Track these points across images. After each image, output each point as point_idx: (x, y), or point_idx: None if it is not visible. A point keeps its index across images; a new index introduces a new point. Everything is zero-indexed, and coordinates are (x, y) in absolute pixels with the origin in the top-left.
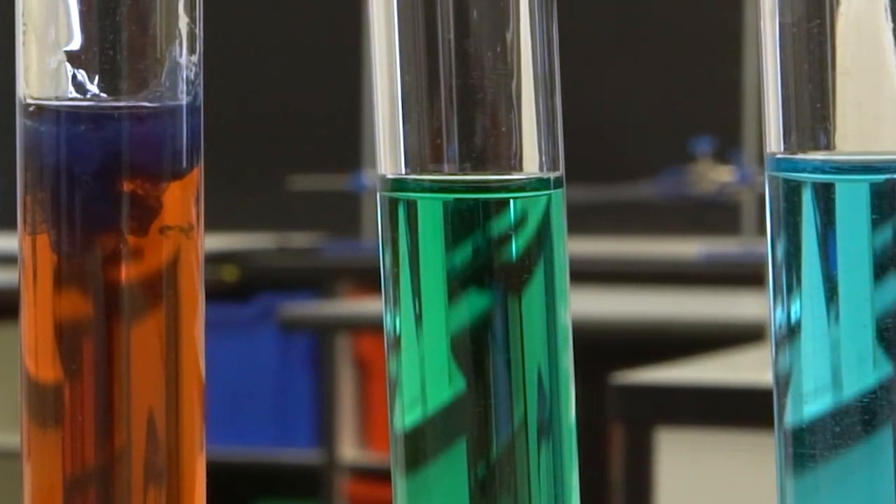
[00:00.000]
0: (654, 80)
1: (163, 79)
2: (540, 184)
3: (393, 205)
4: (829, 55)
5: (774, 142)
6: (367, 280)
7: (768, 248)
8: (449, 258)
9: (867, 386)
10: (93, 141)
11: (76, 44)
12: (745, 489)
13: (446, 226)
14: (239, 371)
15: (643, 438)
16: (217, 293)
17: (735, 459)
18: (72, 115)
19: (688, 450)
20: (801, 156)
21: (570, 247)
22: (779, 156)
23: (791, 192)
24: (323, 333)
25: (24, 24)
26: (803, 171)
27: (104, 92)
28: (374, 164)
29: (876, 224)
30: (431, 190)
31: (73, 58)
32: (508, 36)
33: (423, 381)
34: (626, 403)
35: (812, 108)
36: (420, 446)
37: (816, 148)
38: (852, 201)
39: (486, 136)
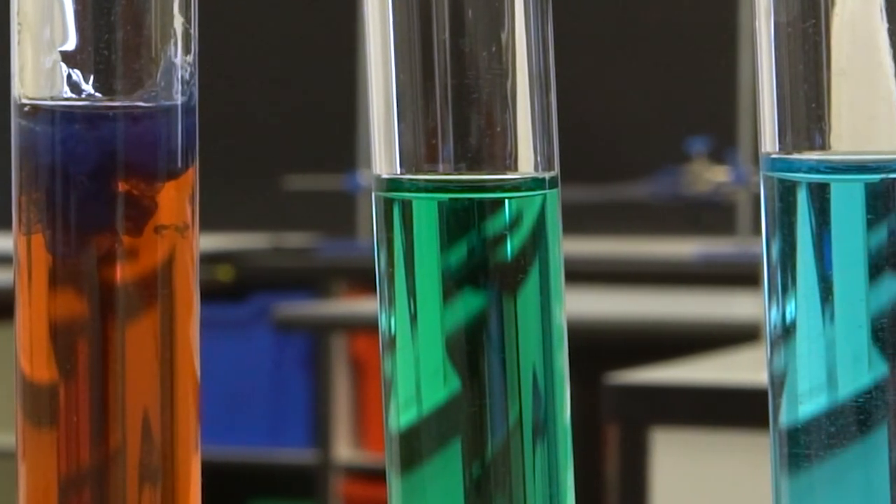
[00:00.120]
0: (649, 80)
1: (158, 79)
2: (535, 183)
3: (388, 205)
4: (824, 55)
5: (769, 142)
6: (363, 280)
7: (763, 247)
8: (444, 258)
9: (862, 386)
10: (88, 141)
11: (71, 44)
12: (740, 489)
13: (441, 226)
14: (234, 371)
15: (638, 438)
16: (212, 293)
17: (730, 459)
18: (67, 115)
19: (683, 450)
20: (796, 156)
21: (566, 247)
22: (774, 156)
23: (786, 192)
24: (318, 333)
25: (19, 24)
26: (798, 171)
27: (99, 92)
28: (369, 164)
29: (871, 224)
30: (426, 190)
31: (68, 57)
32: (503, 36)
33: (418, 381)
34: (622, 403)
35: (807, 108)
36: (415, 446)
37: (811, 148)
38: (847, 201)
39: (481, 136)
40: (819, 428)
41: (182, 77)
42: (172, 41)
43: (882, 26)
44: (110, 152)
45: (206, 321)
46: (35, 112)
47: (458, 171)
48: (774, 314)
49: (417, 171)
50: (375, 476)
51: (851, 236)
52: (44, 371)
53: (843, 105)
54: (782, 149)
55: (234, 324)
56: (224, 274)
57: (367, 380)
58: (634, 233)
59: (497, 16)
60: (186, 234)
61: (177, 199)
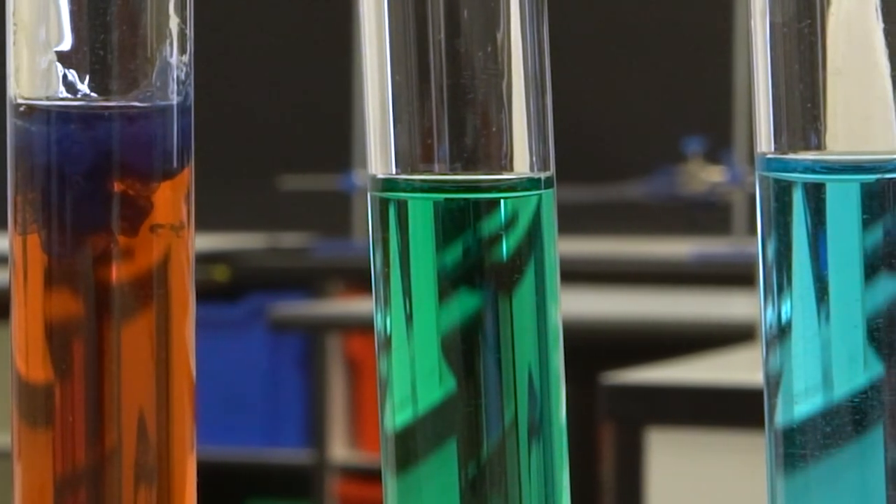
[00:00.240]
0: (644, 81)
1: (153, 79)
2: (530, 184)
3: (384, 205)
4: (819, 55)
5: (765, 142)
6: (358, 280)
7: (759, 247)
8: (439, 258)
9: (858, 386)
10: (83, 141)
11: (67, 44)
12: (735, 489)
13: (437, 226)
14: (229, 371)
15: (634, 438)
16: (208, 293)
17: (726, 459)
18: (62, 115)
19: (678, 449)
20: (791, 156)
21: (561, 247)
22: (769, 156)
23: (782, 192)
24: (314, 333)
25: (15, 25)
26: (794, 171)
27: (95, 92)
28: (364, 164)
29: (866, 224)
30: (422, 190)
31: (63, 58)
32: (499, 36)
33: (413, 381)
34: (617, 403)
35: (803, 109)
36: (411, 446)
37: (807, 148)
38: (843, 201)
39: (476, 136)
40: (815, 428)
41: (178, 77)
42: (168, 41)
43: (878, 26)
44: (106, 152)
45: (202, 321)
46: (31, 112)
47: (453, 171)
48: (770, 314)
49: (413, 172)
50: (371, 476)
51: (847, 236)
52: (39, 371)
53: (839, 105)
54: (778, 149)
55: (229, 324)
56: (220, 274)
57: (363, 380)
58: (630, 233)
59: (492, 16)
60: (182, 233)
61: (172, 199)
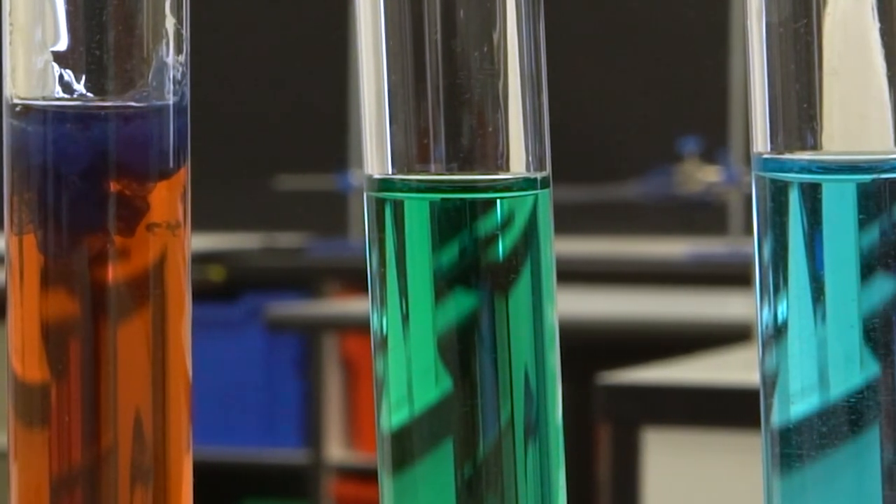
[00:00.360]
0: (640, 80)
1: (149, 79)
2: (527, 183)
3: (380, 205)
4: (815, 55)
5: (761, 142)
6: (354, 280)
7: (755, 248)
8: (436, 258)
9: (854, 386)
10: (80, 141)
11: (63, 44)
12: (731, 489)
13: (433, 226)
14: (226, 371)
15: (630, 438)
16: (204, 293)
17: (722, 459)
18: (58, 115)
19: (674, 450)
20: (787, 156)
21: (557, 247)
22: (766, 156)
23: (778, 192)
24: (310, 333)
25: (11, 25)
26: (790, 171)
27: (91, 92)
28: (360, 164)
29: (862, 224)
30: (418, 190)
31: (59, 58)
32: (495, 36)
33: (409, 381)
34: (613, 403)
35: (799, 108)
36: (407, 446)
37: (803, 148)
38: (839, 201)
39: (472, 136)
40: (811, 428)
41: (174, 77)
42: (164, 41)
43: (874, 26)
44: (102, 152)
45: (198, 321)
46: (27, 112)
47: (449, 171)
48: (766, 314)
49: (409, 172)
50: (367, 476)
51: (843, 236)
52: (35, 371)
53: (835, 105)
54: (774, 149)
55: (225, 324)
56: (216, 274)
57: (359, 380)
58: (626, 233)
59: (489, 16)
60: (178, 232)
61: (168, 199)
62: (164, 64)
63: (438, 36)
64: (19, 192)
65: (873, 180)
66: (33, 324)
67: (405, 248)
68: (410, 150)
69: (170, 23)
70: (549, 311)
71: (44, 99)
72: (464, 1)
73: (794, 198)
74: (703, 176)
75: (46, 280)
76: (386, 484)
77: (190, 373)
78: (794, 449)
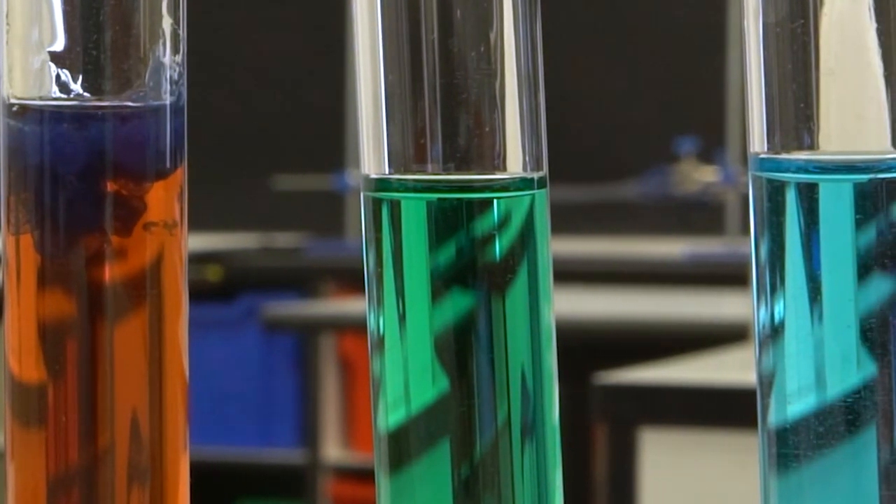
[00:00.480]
0: (637, 80)
1: (146, 79)
2: (524, 183)
3: (377, 205)
4: (812, 55)
5: (758, 142)
6: (351, 280)
7: (752, 248)
8: (432, 258)
9: (851, 386)
10: (76, 141)
11: (60, 44)
12: (728, 489)
13: (430, 226)
14: (222, 371)
15: (627, 438)
16: (201, 293)
17: (719, 459)
18: (55, 115)
19: (671, 450)
20: (784, 156)
21: (554, 247)
22: (762, 156)
23: (775, 192)
24: (307, 333)
25: (8, 25)
26: (787, 170)
27: (88, 92)
28: (357, 164)
29: (859, 224)
30: (415, 190)
31: (56, 58)
32: (492, 36)
33: (406, 381)
34: (610, 403)
35: (796, 108)
36: (404, 446)
37: (800, 148)
38: (836, 201)
39: (469, 136)
40: (808, 428)
41: (171, 77)
42: (161, 41)
43: (870, 26)
44: (99, 152)
45: (195, 321)
46: (24, 112)
47: (446, 171)
48: (763, 314)
49: (406, 171)
50: (364, 476)
51: (840, 236)
52: (32, 371)
53: (832, 105)
54: (771, 149)
55: (222, 324)
56: (213, 274)
57: (356, 380)
58: (623, 233)
59: (486, 16)
60: (175, 231)
61: (165, 199)
62: (161, 64)
63: (435, 36)
64: (16, 191)
65: (870, 180)
66: (30, 324)
67: (402, 247)
68: (407, 150)
69: (167, 23)
70: (545, 311)
71: (41, 99)
72: (460, 1)
73: (790, 198)
74: (700, 176)
75: (43, 280)
76: (383, 484)
77: (187, 373)
78: (790, 449)
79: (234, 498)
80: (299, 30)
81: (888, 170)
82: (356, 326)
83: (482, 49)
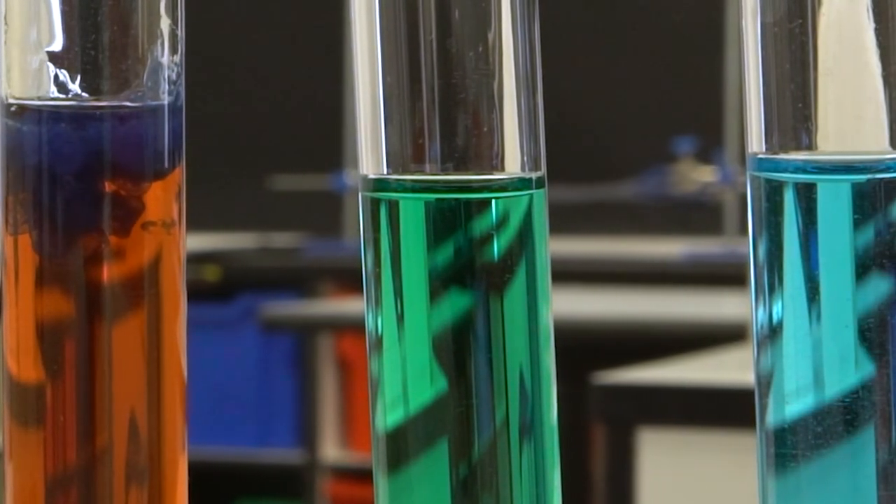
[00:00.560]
0: (635, 80)
1: (144, 79)
2: (522, 184)
3: (375, 205)
4: (810, 55)
5: (756, 142)
6: (349, 280)
7: (750, 248)
8: (431, 258)
9: (849, 386)
10: (75, 141)
11: (58, 44)
12: (726, 489)
13: (428, 226)
14: (221, 371)
15: (625, 438)
16: (199, 293)
17: (717, 459)
18: (54, 115)
19: (669, 450)
20: (782, 156)
21: (552, 247)
22: (761, 156)
23: (773, 192)
24: (305, 333)
25: (6, 24)
26: (785, 171)
27: (86, 92)
28: (356, 164)
29: (857, 224)
30: (413, 190)
31: (54, 58)
32: (490, 36)
33: (404, 381)
34: (608, 403)
35: (794, 108)
36: (402, 446)
37: (798, 148)
38: (834, 201)
39: (467, 136)
40: (806, 428)
41: (169, 77)
42: (159, 41)
43: (868, 26)
44: (97, 152)
45: (193, 321)
46: (22, 112)
47: (444, 171)
48: (761, 314)
49: (404, 172)
50: (362, 476)
51: (838, 236)
52: (31, 371)
53: (830, 105)
54: (769, 149)
55: (220, 324)
56: (211, 274)
57: (354, 380)
58: (621, 233)
59: (484, 16)
60: (173, 231)
61: (163, 199)
62: (160, 64)
63: (433, 36)
64: (14, 192)
65: (868, 180)
66: (28, 324)
67: (400, 248)
68: (405, 150)
69: (165, 23)
70: (544, 311)
71: (39, 99)
72: (459, 1)
73: (789, 198)
74: (699, 176)
75: (41, 280)
76: (381, 484)
77: (185, 373)
78: (789, 449)
79: (232, 498)
80: (297, 30)
81: (886, 170)
82: (354, 326)
83: (480, 49)
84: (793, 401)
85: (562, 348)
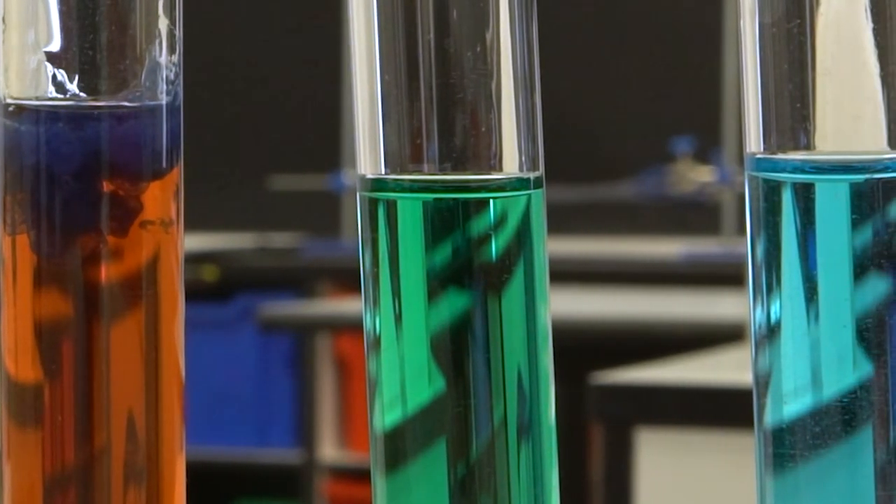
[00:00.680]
0: (634, 80)
1: (142, 79)
2: (520, 183)
3: (373, 205)
4: (808, 55)
5: (754, 142)
6: (347, 280)
7: (748, 247)
8: (429, 258)
9: (847, 386)
10: (73, 141)
11: (56, 44)
12: (724, 489)
13: (426, 226)
14: (219, 371)
15: (623, 438)
16: (197, 293)
17: (715, 459)
18: (52, 115)
19: (667, 449)
20: (780, 156)
21: (550, 247)
22: (759, 156)
23: (771, 192)
24: (303, 333)
25: (4, 24)
26: (783, 171)
27: (84, 92)
28: (354, 164)
29: (855, 224)
30: (411, 190)
31: (52, 58)
32: (488, 36)
33: (402, 381)
34: (606, 403)
35: (792, 108)
36: (400, 446)
37: (796, 148)
38: (832, 201)
39: (465, 136)
40: (804, 428)
41: (167, 77)
42: (157, 41)
43: (867, 26)
44: (95, 152)
45: (191, 321)
46: (20, 112)
47: (442, 171)
48: (759, 314)
49: (402, 172)
50: (360, 476)
51: (836, 236)
52: (29, 371)
53: (828, 105)
54: (767, 149)
55: (219, 324)
56: (209, 274)
57: (352, 380)
58: (619, 233)
59: (482, 16)
60: (171, 230)
61: (161, 199)
62: (157, 64)
63: (431, 36)
64: (12, 192)
65: (866, 180)
66: (26, 324)
67: (398, 248)
68: (403, 150)
69: (163, 23)
70: (542, 311)
71: (37, 99)
72: (457, 1)
73: (787, 198)
74: (697, 176)
75: (39, 280)
76: (379, 484)
77: (183, 373)
78: (787, 449)
79: (230, 498)
80: (296, 30)
81: (884, 170)
82: (352, 326)
83: (478, 49)
84: (791, 401)
85: (560, 348)
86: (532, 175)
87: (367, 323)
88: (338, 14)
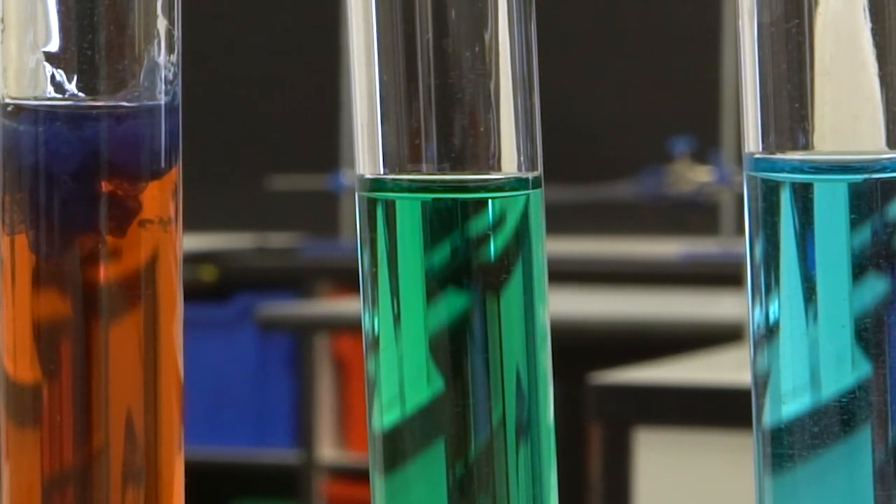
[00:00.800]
0: (632, 80)
1: (141, 79)
2: (518, 184)
3: (371, 205)
4: (807, 55)
5: (753, 142)
6: (346, 280)
7: (747, 248)
8: (427, 258)
9: (845, 386)
10: (71, 141)
11: (55, 44)
12: (723, 489)
13: (425, 226)
14: (217, 371)
15: (622, 438)
16: (196, 293)
17: (714, 459)
18: (50, 115)
19: (666, 450)
20: (779, 156)
21: (549, 247)
22: (757, 156)
23: (769, 192)
24: (301, 333)
25: (2, 24)
26: (782, 171)
27: (83, 92)
28: (352, 164)
29: (854, 224)
30: (410, 190)
31: (51, 58)
32: (487, 36)
33: (401, 381)
34: (605, 403)
35: (790, 108)
36: (398, 446)
37: (795, 148)
38: (830, 201)
39: (464, 136)
40: (802, 428)
41: (165, 77)
42: (156, 41)
43: (865, 26)
44: (94, 152)
45: (190, 321)
46: (19, 112)
47: (441, 171)
48: (758, 314)
49: (401, 172)
50: (359, 476)
51: (835, 236)
52: (27, 371)
53: (827, 105)
54: (765, 149)
55: (217, 324)
56: (207, 274)
57: (351, 380)
58: (618, 233)
59: (480, 16)
60: (169, 229)
61: (160, 199)
62: (156, 64)
63: (430, 36)
64: (11, 192)
65: (865, 180)
66: (25, 324)
67: (397, 248)
68: (402, 150)
69: (161, 23)
70: (540, 311)
71: (35, 99)
72: (455, 1)
73: (785, 198)
74: (695, 176)
75: (38, 280)
76: (378, 484)
77: (182, 373)
78: (785, 449)
79: (228, 498)
80: (294, 30)
81: (883, 170)
82: (351, 326)
83: (477, 49)
84: (789, 401)
85: (558, 348)
86: (531, 175)
87: (366, 323)
88: (336, 14)
